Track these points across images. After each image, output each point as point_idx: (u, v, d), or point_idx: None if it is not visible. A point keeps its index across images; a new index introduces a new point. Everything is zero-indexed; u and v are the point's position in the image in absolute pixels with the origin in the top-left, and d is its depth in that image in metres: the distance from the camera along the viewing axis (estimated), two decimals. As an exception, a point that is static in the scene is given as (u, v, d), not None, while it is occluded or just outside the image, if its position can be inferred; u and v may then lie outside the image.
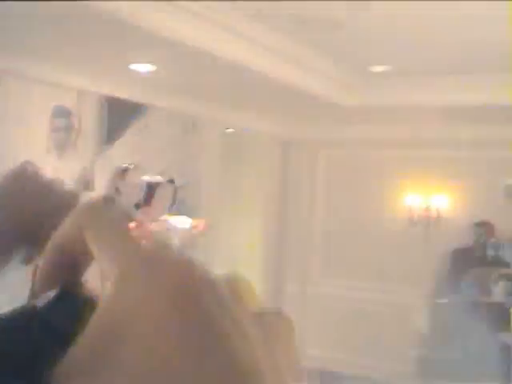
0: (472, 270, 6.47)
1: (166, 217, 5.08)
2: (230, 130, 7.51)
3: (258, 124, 7.62)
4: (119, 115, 5.92)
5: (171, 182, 5.13)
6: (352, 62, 5.59)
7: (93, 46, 4.54)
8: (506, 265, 6.56)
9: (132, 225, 4.99)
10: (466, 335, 5.46)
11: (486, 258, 6.66)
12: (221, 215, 7.61)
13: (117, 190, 4.43)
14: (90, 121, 5.62)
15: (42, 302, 0.32)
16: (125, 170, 4.49)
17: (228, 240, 8.34)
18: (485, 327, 5.37)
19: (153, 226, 5.08)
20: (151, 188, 5.06)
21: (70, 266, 0.34)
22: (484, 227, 6.82)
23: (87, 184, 5.56)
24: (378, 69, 5.71)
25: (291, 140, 8.22)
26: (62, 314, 0.31)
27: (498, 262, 6.64)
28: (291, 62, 5.27)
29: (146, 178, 5.13)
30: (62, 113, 5.33)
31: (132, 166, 4.58)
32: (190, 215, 5.20)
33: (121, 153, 5.90)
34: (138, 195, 4.52)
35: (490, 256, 6.73)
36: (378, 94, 6.27)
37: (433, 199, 7.35)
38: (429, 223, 7.33)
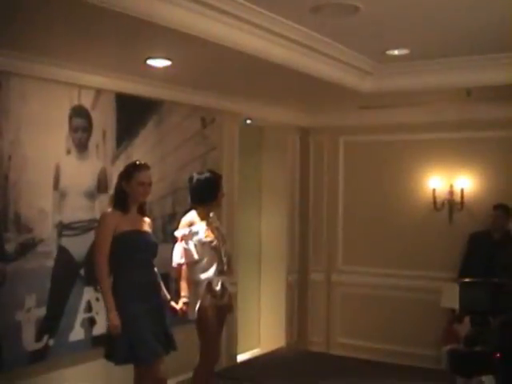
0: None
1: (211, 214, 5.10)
2: (249, 121, 7.49)
3: (277, 114, 7.60)
4: (137, 113, 5.92)
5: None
6: (368, 46, 5.53)
7: (108, 43, 4.53)
8: None
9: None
10: None
11: (503, 242, 6.36)
12: (244, 206, 7.60)
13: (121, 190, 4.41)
14: (108, 120, 5.62)
15: None
16: (134, 168, 4.42)
17: (253, 230, 8.33)
18: None
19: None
20: (215, 181, 5.05)
21: None
22: (501, 210, 6.56)
23: (104, 185, 5.54)
24: (395, 52, 5.64)
25: (311, 128, 8.18)
26: None
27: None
28: (307, 50, 5.23)
29: (196, 175, 5.09)
30: (80, 112, 5.34)
31: (140, 163, 4.50)
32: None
33: (141, 150, 5.91)
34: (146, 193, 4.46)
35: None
36: (395, 78, 6.21)
37: (457, 182, 7.24)
38: (453, 206, 7.23)
